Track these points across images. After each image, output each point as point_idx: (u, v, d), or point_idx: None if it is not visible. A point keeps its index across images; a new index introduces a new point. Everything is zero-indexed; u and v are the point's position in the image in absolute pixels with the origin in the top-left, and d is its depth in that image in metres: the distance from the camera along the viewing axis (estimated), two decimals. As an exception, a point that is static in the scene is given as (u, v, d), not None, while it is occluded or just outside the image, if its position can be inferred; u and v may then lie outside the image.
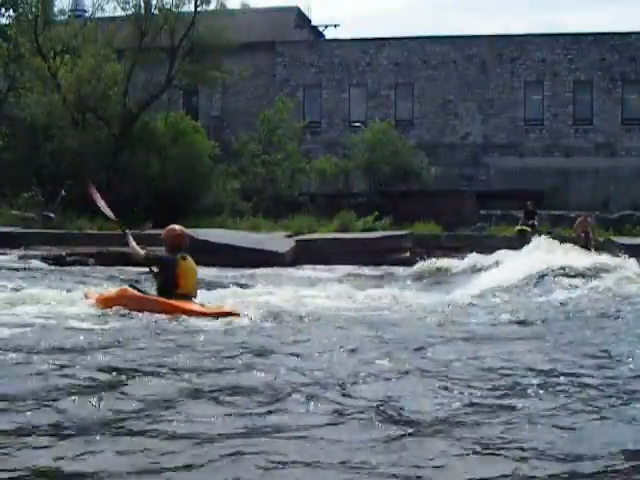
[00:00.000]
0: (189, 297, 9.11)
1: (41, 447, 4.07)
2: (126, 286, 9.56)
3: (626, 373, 6.06)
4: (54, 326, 7.98)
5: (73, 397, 4.98)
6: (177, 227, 9.63)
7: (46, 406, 4.81)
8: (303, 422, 4.58)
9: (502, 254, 17.27)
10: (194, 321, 8.40)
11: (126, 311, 8.76)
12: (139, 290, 9.35)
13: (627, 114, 37.34)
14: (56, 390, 5.19)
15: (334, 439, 4.26)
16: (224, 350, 6.80)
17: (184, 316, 8.55)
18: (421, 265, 18.72)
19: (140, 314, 8.62)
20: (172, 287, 9.03)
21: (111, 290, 9.84)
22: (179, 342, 7.18)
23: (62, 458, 3.91)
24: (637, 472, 3.85)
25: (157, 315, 8.56)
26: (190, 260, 9.30)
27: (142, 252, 9.60)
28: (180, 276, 9.07)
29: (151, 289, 9.72)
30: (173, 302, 8.86)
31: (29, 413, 4.64)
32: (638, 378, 5.87)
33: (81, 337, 7.24)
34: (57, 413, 4.67)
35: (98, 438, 4.20)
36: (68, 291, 10.61)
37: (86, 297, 9.63)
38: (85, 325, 8.06)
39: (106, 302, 9.11)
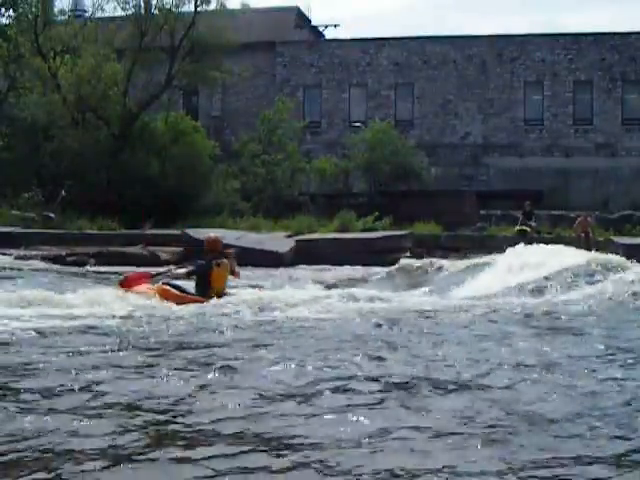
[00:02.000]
0: (221, 295, 10.90)
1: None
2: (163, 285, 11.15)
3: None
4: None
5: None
6: (212, 235, 11.85)
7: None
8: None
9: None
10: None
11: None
12: (176, 287, 11.01)
13: (627, 114, 37.32)
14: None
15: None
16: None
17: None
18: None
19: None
20: (207, 288, 10.91)
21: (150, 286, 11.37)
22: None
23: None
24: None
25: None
26: (224, 264, 11.06)
27: (184, 271, 11.47)
28: (213, 280, 10.94)
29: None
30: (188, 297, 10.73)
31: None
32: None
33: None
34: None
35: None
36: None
37: (123, 289, 11.08)
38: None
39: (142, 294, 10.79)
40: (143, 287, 11.19)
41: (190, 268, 11.45)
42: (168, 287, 10.93)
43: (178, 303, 10.36)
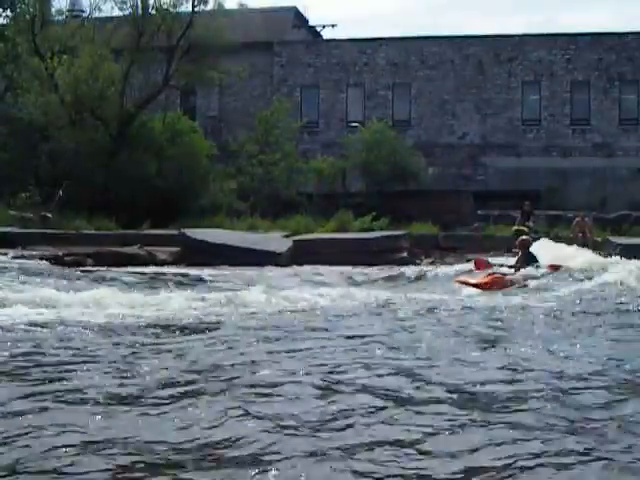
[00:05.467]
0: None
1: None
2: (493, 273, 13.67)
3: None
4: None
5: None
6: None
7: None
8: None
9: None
10: None
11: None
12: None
13: (624, 114, 37.35)
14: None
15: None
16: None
17: None
18: None
19: None
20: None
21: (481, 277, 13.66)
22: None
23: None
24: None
25: None
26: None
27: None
28: None
29: None
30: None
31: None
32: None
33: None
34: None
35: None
36: None
37: (461, 283, 13.27)
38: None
39: (485, 286, 12.81)
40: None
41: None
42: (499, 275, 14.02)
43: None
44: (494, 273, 13.69)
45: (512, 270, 14.20)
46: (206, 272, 17.30)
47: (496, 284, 12.88)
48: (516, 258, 14.67)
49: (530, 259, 14.42)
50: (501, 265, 14.95)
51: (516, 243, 15.16)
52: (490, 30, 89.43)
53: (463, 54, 38.75)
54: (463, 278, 13.99)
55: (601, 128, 37.25)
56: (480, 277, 13.69)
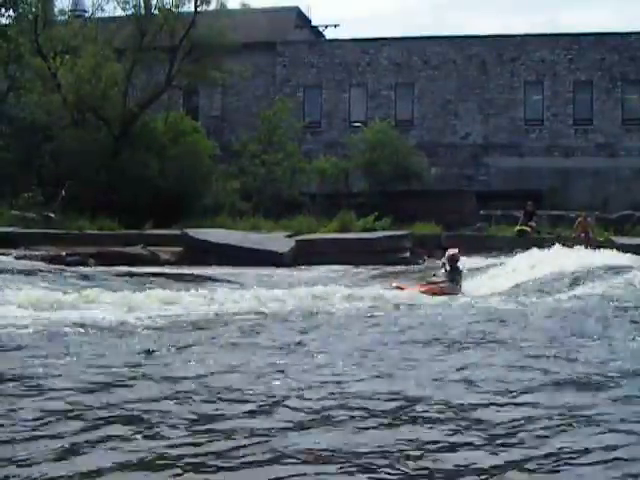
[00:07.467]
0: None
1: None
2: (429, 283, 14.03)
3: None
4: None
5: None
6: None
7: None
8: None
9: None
10: None
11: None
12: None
13: (627, 114, 37.29)
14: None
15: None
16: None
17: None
18: None
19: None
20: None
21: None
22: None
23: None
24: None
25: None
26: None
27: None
28: None
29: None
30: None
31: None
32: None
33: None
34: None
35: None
36: None
37: (398, 288, 13.56)
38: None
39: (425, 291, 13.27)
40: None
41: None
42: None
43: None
44: (430, 283, 14.05)
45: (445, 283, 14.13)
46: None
47: (432, 291, 13.30)
48: (445, 271, 14.43)
49: (457, 274, 14.25)
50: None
51: (447, 256, 14.73)
52: (492, 30, 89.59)
53: (465, 54, 38.73)
54: (400, 283, 14.30)
55: (604, 128, 37.20)
56: (417, 285, 14.07)
